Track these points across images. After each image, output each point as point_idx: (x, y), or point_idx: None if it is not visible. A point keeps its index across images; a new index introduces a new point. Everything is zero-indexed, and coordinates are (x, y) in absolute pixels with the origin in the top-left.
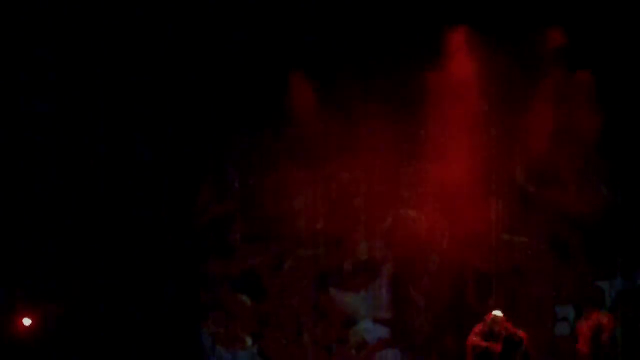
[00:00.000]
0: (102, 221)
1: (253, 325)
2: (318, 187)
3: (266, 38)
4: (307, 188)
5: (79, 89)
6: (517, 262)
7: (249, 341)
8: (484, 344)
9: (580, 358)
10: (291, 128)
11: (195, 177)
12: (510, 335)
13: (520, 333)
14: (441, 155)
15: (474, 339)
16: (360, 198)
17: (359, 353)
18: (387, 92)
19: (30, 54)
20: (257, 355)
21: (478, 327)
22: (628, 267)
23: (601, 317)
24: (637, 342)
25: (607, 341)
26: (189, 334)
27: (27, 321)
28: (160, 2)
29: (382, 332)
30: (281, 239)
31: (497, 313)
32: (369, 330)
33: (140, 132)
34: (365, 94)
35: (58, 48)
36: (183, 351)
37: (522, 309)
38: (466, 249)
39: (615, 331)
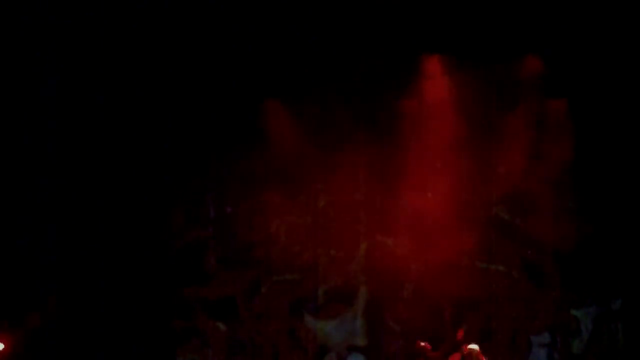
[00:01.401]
0: (74, 245)
1: (228, 351)
2: (294, 213)
3: (241, 64)
4: (283, 214)
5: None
6: (493, 290)
7: None
8: None
9: None
10: (267, 154)
11: (170, 202)
12: None
13: None
14: (417, 182)
15: None
16: (336, 224)
17: None
18: (363, 119)
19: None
20: None
21: (454, 358)
22: (602, 295)
23: None
24: None
25: None
26: None
27: None
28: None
29: (358, 359)
30: (256, 265)
31: (474, 347)
32: (345, 357)
33: (115, 158)
34: (341, 120)
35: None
36: None
37: (497, 337)
38: (442, 277)
39: None
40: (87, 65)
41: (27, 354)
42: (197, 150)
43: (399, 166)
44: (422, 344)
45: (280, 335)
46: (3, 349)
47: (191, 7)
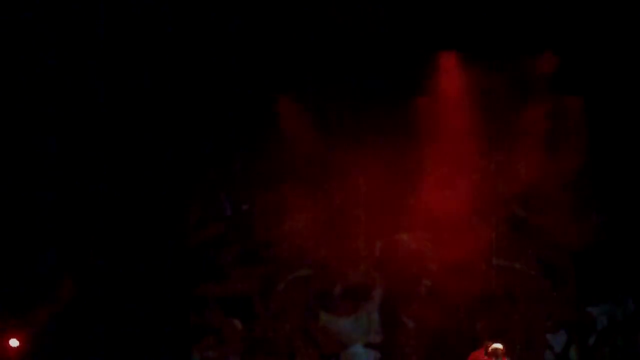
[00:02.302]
0: (91, 243)
1: (244, 349)
2: (309, 210)
3: (257, 61)
4: (299, 211)
5: (70, 110)
6: (508, 287)
7: None
8: None
9: None
10: (283, 152)
11: (186, 199)
12: None
13: None
14: (433, 179)
15: None
16: (352, 221)
17: None
18: (379, 116)
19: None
20: None
21: (475, 355)
22: (618, 292)
23: None
24: None
25: None
26: (179, 358)
27: (14, 342)
28: (150, 25)
29: (373, 356)
30: (272, 262)
31: (499, 346)
32: (360, 354)
33: (131, 155)
34: (356, 118)
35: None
36: None
37: (512, 335)
38: (457, 274)
39: None
40: (103, 61)
41: (41, 350)
42: (212, 148)
43: (415, 163)
44: None
45: (296, 332)
46: (18, 346)
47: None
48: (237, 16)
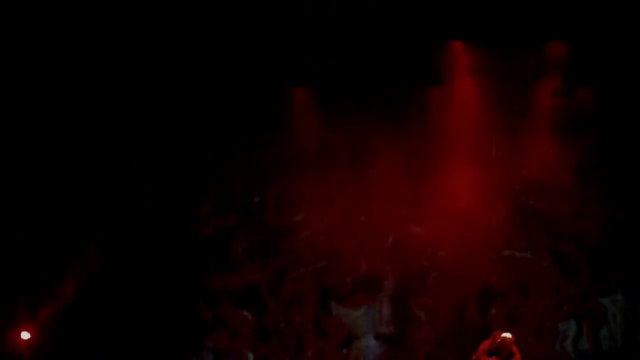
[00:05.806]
0: (103, 234)
1: (255, 341)
2: (320, 202)
3: (269, 52)
4: (310, 203)
5: (82, 100)
6: (519, 278)
7: (250, 357)
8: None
9: None
10: (294, 143)
11: (197, 190)
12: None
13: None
14: (443, 171)
15: (481, 357)
16: (363, 214)
17: None
18: (389, 108)
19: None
20: None
21: (486, 344)
22: (630, 283)
23: None
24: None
25: None
26: (190, 349)
27: (25, 335)
28: (162, 15)
29: (383, 348)
30: (283, 254)
31: (507, 335)
32: (370, 346)
33: (142, 146)
34: (367, 110)
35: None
36: None
37: (524, 324)
38: (467, 265)
39: None
40: (117, 56)
41: (52, 343)
42: (225, 139)
43: (426, 154)
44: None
45: (307, 324)
46: (29, 338)
47: None
48: (251, 8)
